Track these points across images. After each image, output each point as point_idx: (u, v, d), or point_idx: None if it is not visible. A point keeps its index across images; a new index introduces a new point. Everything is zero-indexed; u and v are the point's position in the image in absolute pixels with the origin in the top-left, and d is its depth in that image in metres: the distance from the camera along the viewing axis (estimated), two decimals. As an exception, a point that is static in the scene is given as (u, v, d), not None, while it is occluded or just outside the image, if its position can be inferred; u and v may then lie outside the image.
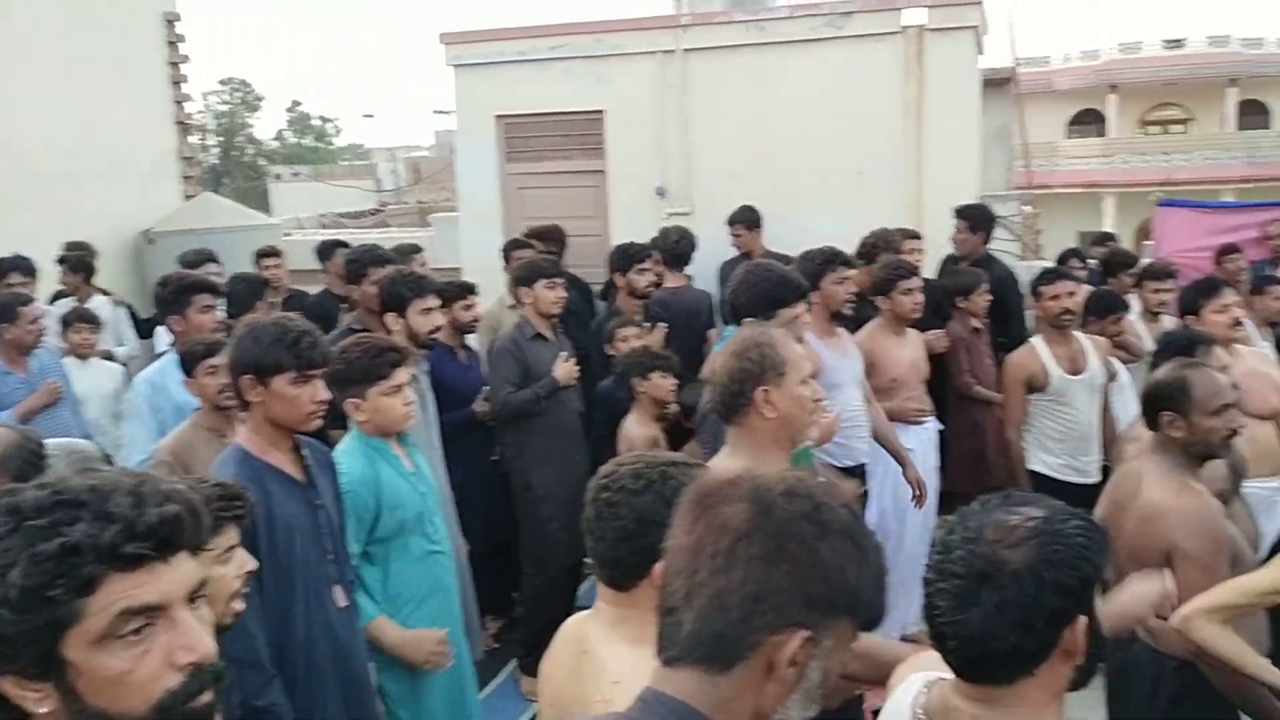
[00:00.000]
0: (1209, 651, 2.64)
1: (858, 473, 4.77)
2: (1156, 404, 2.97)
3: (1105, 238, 8.72)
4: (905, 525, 5.01)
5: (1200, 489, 2.92)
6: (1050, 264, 6.39)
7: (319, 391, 2.86)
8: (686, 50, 7.17)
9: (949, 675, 1.59)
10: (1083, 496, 4.84)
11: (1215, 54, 30.42)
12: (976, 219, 6.25)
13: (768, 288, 3.63)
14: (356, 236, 9.28)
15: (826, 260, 4.72)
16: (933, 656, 1.62)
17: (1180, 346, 4.02)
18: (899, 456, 4.84)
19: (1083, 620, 1.48)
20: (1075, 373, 4.98)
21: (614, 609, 1.93)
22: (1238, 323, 4.42)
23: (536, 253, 5.99)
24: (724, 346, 2.69)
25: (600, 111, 7.42)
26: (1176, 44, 31.16)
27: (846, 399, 4.68)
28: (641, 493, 1.88)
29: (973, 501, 1.60)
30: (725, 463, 2.56)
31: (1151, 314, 5.91)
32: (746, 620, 1.18)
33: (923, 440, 5.01)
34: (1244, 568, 2.92)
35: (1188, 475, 2.93)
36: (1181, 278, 7.19)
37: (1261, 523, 4.06)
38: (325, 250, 7.00)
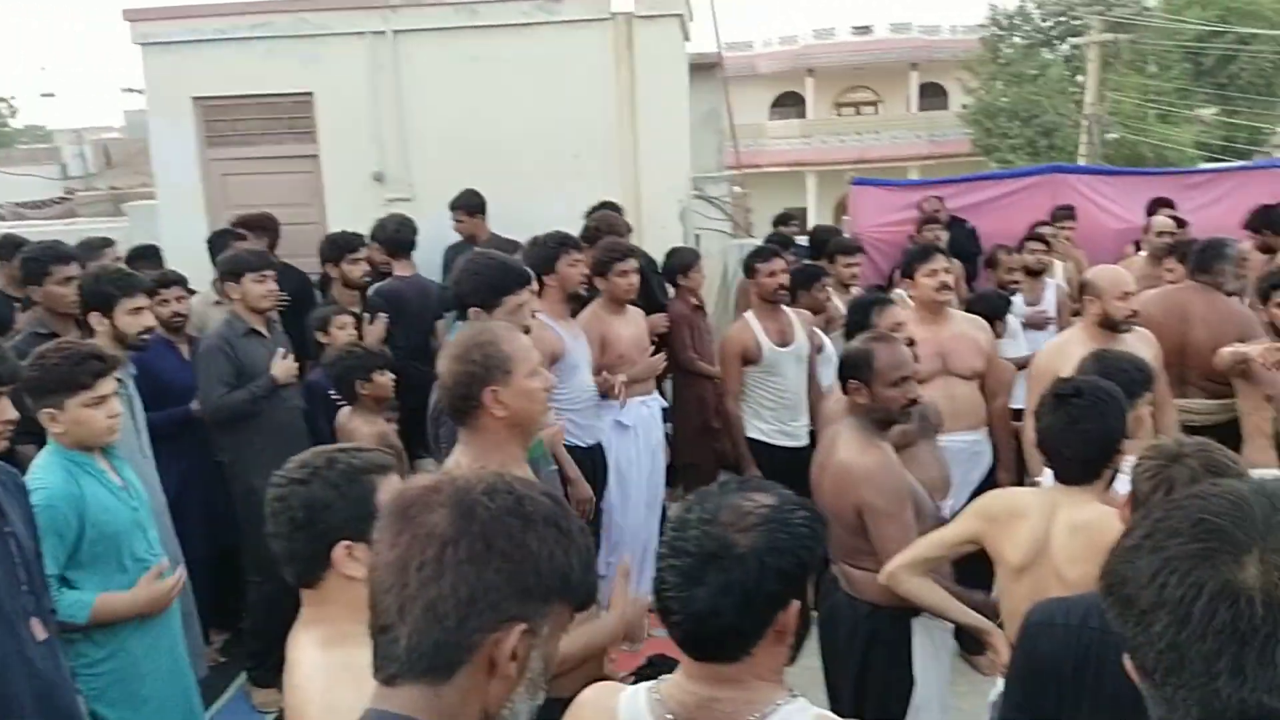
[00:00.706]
0: (914, 601, 2.91)
1: (598, 451, 4.88)
2: (845, 373, 3.22)
3: (786, 218, 9.25)
4: (628, 501, 5.14)
5: (883, 446, 3.19)
6: (761, 242, 6.74)
7: (5, 411, 2.60)
8: (397, 32, 7.00)
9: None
10: (792, 459, 5.20)
11: (898, 40, 33.00)
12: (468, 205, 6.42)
13: (491, 276, 3.56)
14: (40, 230, 8.45)
15: (560, 243, 4.78)
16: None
17: (864, 307, 4.37)
18: None
19: (796, 604, 1.57)
20: (784, 345, 5.30)
21: (308, 609, 1.90)
22: (946, 286, 4.75)
23: (247, 243, 5.70)
24: (446, 349, 2.65)
25: (309, 94, 7.11)
26: (865, 30, 33.55)
27: (583, 380, 4.78)
28: (307, 481, 1.86)
29: (713, 482, 1.68)
30: (459, 463, 2.54)
31: (844, 286, 6.37)
32: (463, 625, 1.18)
33: (645, 417, 5.17)
34: (923, 513, 3.22)
35: (874, 436, 3.19)
36: (875, 250, 7.85)
37: (965, 471, 4.48)
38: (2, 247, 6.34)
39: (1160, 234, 6.72)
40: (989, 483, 4.54)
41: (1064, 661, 2.11)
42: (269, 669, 4.45)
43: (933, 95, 33.78)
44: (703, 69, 9.93)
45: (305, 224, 6.95)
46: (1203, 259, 5.05)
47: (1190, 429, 4.43)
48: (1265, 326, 4.53)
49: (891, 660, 3.11)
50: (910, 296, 4.93)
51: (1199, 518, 0.97)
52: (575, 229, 5.58)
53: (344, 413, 4.54)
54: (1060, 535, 2.63)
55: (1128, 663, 1.02)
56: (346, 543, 1.86)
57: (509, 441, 2.56)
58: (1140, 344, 4.37)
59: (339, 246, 5.68)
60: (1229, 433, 4.37)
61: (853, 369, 3.20)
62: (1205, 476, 1.98)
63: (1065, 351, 4.40)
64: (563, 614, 1.27)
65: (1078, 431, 2.60)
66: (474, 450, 2.53)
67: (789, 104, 34.67)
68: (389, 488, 1.89)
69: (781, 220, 8.82)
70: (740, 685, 1.58)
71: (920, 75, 33.39)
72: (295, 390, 4.80)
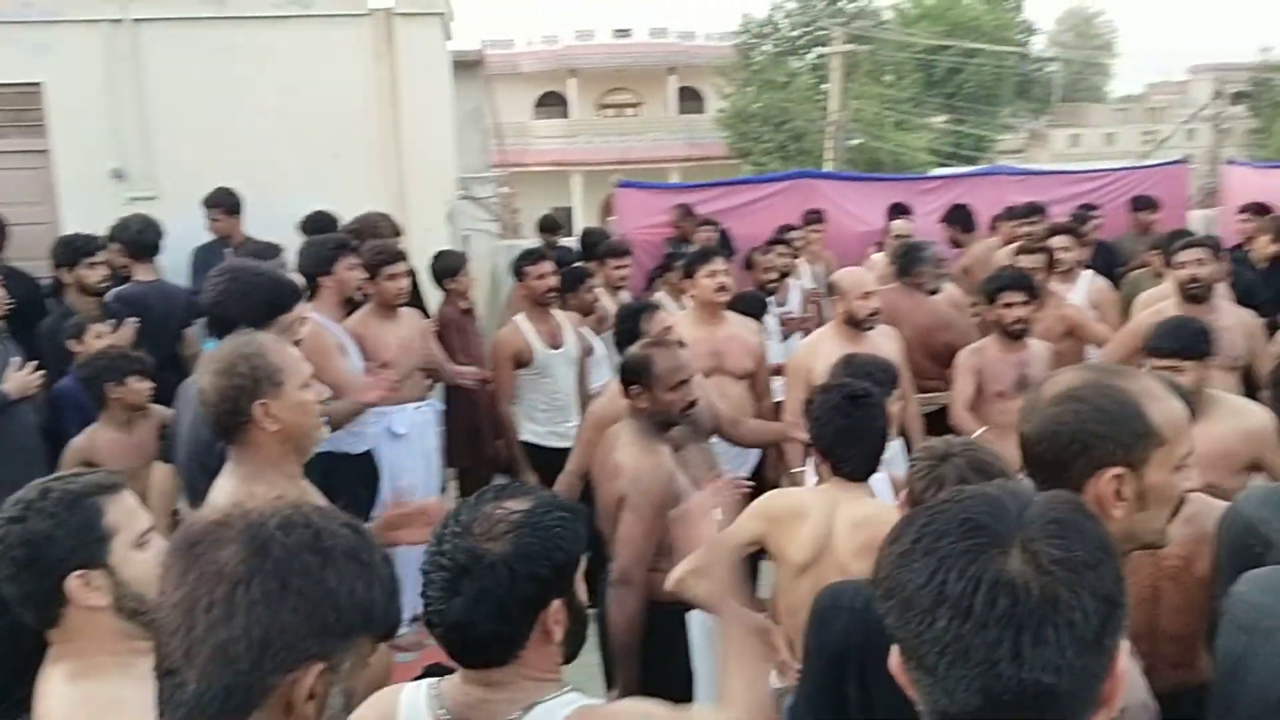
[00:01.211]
0: (700, 605, 2.98)
1: (368, 459, 4.76)
2: (626, 378, 3.29)
3: (552, 224, 9.23)
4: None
5: (661, 450, 3.28)
6: (530, 243, 6.76)
7: None
8: (136, 20, 6.56)
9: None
10: (563, 458, 5.25)
11: (656, 44, 33.84)
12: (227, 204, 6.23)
13: (263, 295, 3.24)
14: None
15: (338, 246, 4.62)
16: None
17: (634, 313, 4.45)
18: None
19: (557, 604, 1.60)
20: (555, 347, 5.34)
21: (55, 647, 1.80)
22: (724, 288, 4.89)
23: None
24: (204, 365, 2.51)
25: (38, 84, 6.56)
26: (624, 33, 34.20)
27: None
28: (22, 517, 1.75)
29: (486, 486, 1.69)
30: (229, 484, 2.42)
31: (614, 288, 6.49)
32: (257, 667, 1.12)
33: (418, 422, 5.09)
34: None
35: (653, 439, 3.28)
36: (642, 251, 8.03)
37: (734, 468, 4.62)
38: None
39: (898, 237, 7.23)
40: (756, 477, 4.74)
41: (853, 644, 2.21)
42: (7, 709, 4.08)
43: (691, 99, 34.85)
44: (466, 67, 9.87)
45: (35, 224, 6.40)
46: (905, 263, 5.47)
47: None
48: (992, 325, 4.93)
49: (669, 654, 3.19)
50: (691, 296, 5.06)
51: (963, 517, 1.05)
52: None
53: (82, 434, 4.24)
54: (843, 532, 2.76)
55: (895, 662, 1.08)
56: (79, 573, 1.75)
57: (283, 458, 2.46)
58: (885, 340, 4.69)
59: (73, 249, 5.26)
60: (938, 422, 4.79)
61: (633, 374, 3.26)
62: (971, 473, 2.13)
63: (818, 349, 4.67)
64: (365, 646, 1.23)
65: (861, 432, 2.77)
66: (245, 470, 2.42)
67: (552, 103, 34.90)
68: (119, 508, 1.81)
69: (548, 226, 8.83)
70: (510, 686, 1.61)
71: (679, 79, 34.37)
72: (31, 405, 4.43)
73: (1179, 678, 2.44)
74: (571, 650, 1.65)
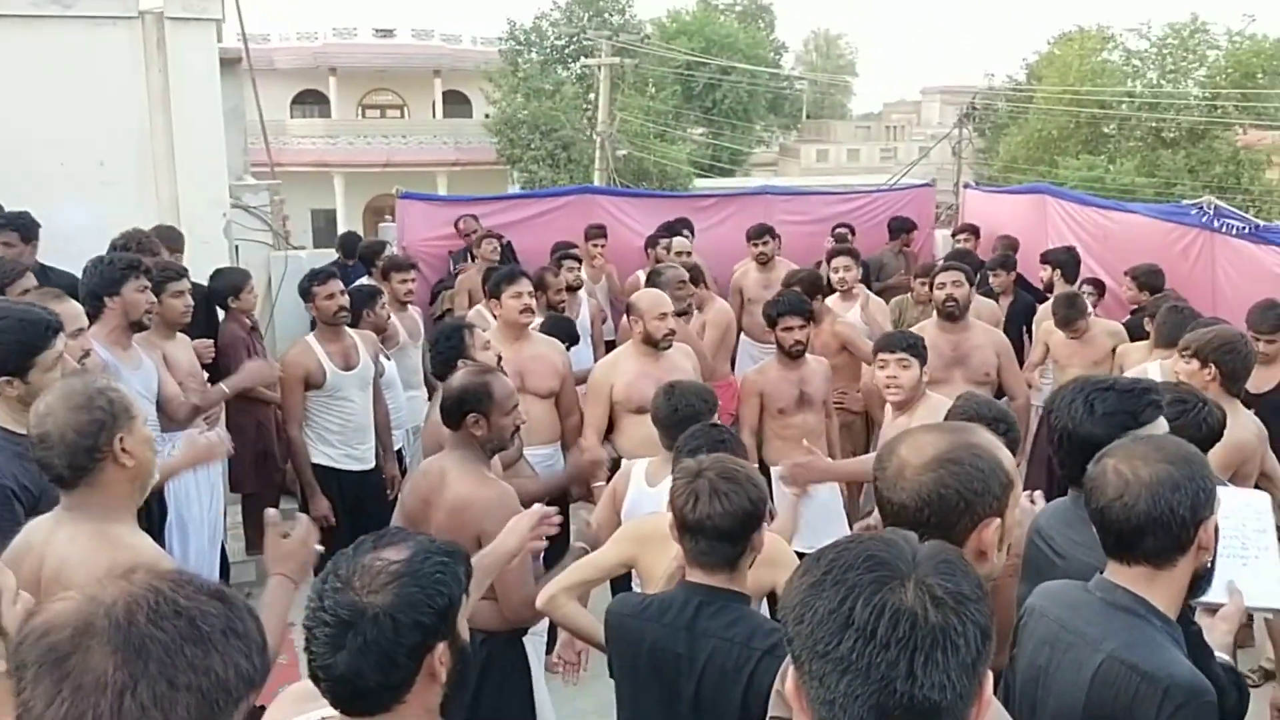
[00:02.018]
0: (566, 625, 3.04)
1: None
2: (463, 407, 3.26)
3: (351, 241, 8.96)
4: (189, 539, 4.83)
5: (494, 478, 3.32)
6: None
7: None
8: None
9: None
10: (362, 482, 5.21)
11: (421, 46, 33.28)
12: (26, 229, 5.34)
13: (10, 337, 2.91)
14: None
15: (127, 267, 4.35)
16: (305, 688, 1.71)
17: (456, 331, 4.37)
18: None
19: (441, 646, 1.65)
20: (348, 368, 5.24)
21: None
22: (529, 309, 4.98)
23: None
24: (50, 401, 2.36)
25: None
26: (387, 33, 33.46)
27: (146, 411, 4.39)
28: None
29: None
30: (77, 530, 2.30)
31: (400, 303, 6.43)
32: None
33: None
34: None
35: (483, 467, 3.31)
36: (424, 264, 7.97)
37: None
38: None
39: (678, 254, 7.52)
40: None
41: (641, 651, 2.38)
42: None
43: (457, 103, 34.48)
44: (225, 63, 9.42)
45: None
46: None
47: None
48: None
49: (508, 686, 3.23)
50: (495, 315, 5.10)
51: (866, 554, 1.21)
52: (103, 243, 5.11)
53: None
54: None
55: (790, 686, 1.23)
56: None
57: (128, 500, 2.38)
58: (683, 358, 4.91)
59: None
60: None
61: (474, 402, 3.24)
62: (722, 483, 2.34)
63: (618, 367, 4.84)
64: (247, 705, 1.23)
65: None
66: (88, 514, 2.31)
67: (310, 101, 33.70)
68: None
69: (349, 247, 8.51)
70: None
71: (444, 82, 33.94)
72: None
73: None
74: (454, 689, 1.69)
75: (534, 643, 3.31)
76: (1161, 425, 2.47)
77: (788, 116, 43.00)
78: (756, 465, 5.06)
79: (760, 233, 7.64)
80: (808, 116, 45.04)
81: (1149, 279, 6.51)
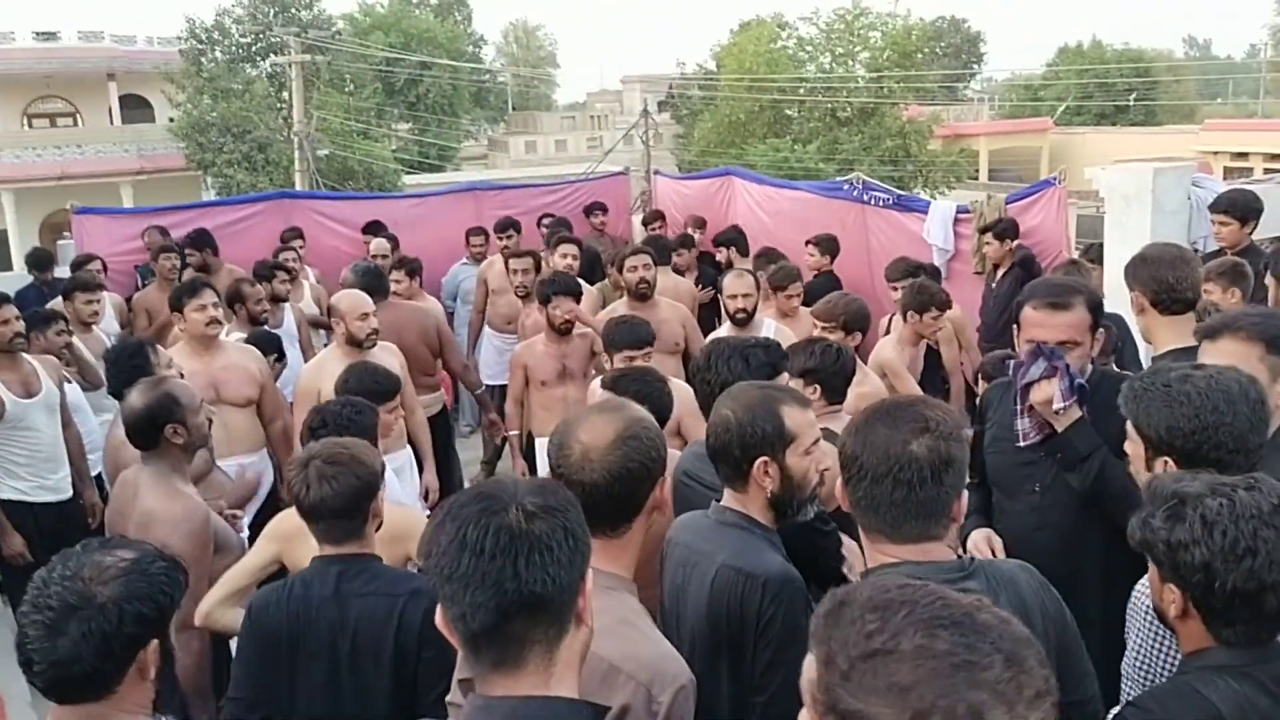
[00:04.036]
0: (230, 634, 3.06)
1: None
2: (156, 420, 3.25)
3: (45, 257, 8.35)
4: None
5: (188, 492, 3.31)
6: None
7: None
8: None
9: None
10: (59, 513, 4.97)
11: (90, 48, 30.81)
12: None
13: None
14: None
15: None
16: None
17: (132, 350, 4.23)
18: None
19: (154, 644, 1.77)
20: (30, 395, 4.97)
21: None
22: (215, 321, 4.90)
23: None
24: None
25: None
26: (50, 36, 30.81)
27: None
28: None
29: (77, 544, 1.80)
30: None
31: (84, 324, 6.13)
32: None
33: None
34: (228, 545, 3.40)
35: (177, 480, 3.29)
36: (111, 281, 7.57)
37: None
38: None
39: (375, 256, 7.54)
40: (272, 498, 4.82)
41: (287, 633, 2.51)
42: None
43: (136, 107, 32.21)
44: None
45: None
46: (370, 281, 5.82)
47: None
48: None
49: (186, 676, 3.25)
50: (180, 330, 4.99)
51: (478, 492, 1.50)
52: None
53: None
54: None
55: (439, 618, 1.46)
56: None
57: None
58: (387, 355, 5.00)
59: None
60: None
61: (166, 414, 3.25)
62: (328, 468, 2.52)
63: (324, 369, 4.86)
64: None
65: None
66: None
67: (-34, 113, 30.53)
68: None
69: (39, 263, 7.93)
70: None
71: (120, 86, 31.57)
72: None
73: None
74: (163, 689, 1.78)
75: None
76: (784, 375, 2.99)
77: (494, 109, 43.16)
78: (520, 433, 5.52)
79: (505, 226, 8.01)
80: (514, 108, 45.40)
81: (828, 245, 7.21)
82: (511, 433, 5.60)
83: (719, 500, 2.39)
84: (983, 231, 6.69)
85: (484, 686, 1.43)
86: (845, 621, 1.04)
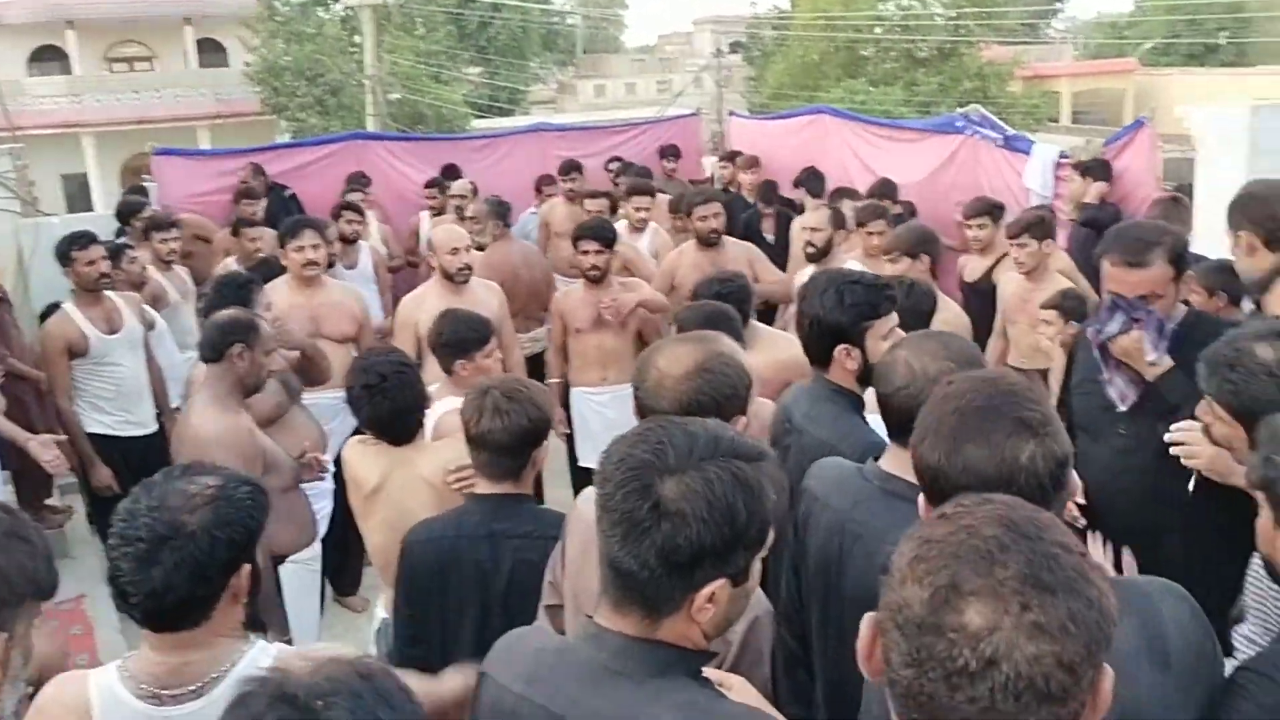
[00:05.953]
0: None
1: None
2: (229, 337, 3.35)
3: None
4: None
5: (239, 412, 3.39)
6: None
7: None
8: None
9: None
10: (145, 446, 5.07)
11: (168, -8, 31.11)
12: None
13: None
14: None
15: None
16: None
17: (241, 284, 4.39)
18: None
19: (246, 568, 1.78)
20: (113, 332, 5.08)
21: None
22: (313, 263, 5.01)
23: None
24: None
25: None
26: (128, -20, 31.12)
27: None
28: None
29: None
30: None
31: (164, 262, 6.23)
32: None
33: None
34: (282, 471, 3.44)
35: (231, 401, 3.38)
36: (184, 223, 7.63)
37: (338, 423, 4.71)
38: None
39: (455, 196, 7.56)
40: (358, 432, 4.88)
41: (437, 571, 2.52)
42: None
43: (212, 52, 32.52)
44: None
45: None
46: (500, 214, 6.21)
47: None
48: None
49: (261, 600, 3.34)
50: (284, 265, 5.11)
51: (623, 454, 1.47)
52: None
53: None
54: (397, 486, 3.09)
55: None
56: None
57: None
58: (486, 292, 5.06)
59: None
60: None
61: (241, 333, 3.37)
62: (504, 401, 2.51)
63: (423, 303, 4.92)
64: (34, 609, 1.39)
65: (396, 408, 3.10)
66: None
67: (49, 58, 31.06)
68: None
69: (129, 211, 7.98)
70: (206, 646, 1.75)
71: (196, 30, 31.90)
72: None
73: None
74: (252, 610, 1.80)
75: (294, 565, 3.45)
76: (894, 317, 2.75)
77: (563, 53, 42.80)
78: (559, 381, 5.49)
79: (568, 169, 7.98)
80: (583, 52, 45.00)
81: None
82: (553, 380, 5.55)
83: (797, 439, 2.32)
84: (1076, 168, 6.52)
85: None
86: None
